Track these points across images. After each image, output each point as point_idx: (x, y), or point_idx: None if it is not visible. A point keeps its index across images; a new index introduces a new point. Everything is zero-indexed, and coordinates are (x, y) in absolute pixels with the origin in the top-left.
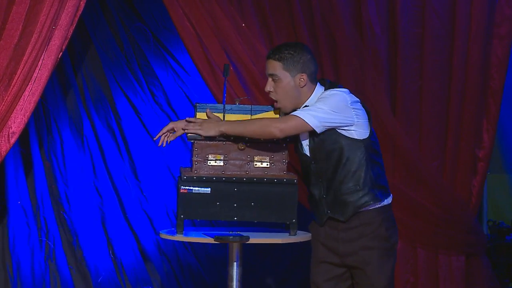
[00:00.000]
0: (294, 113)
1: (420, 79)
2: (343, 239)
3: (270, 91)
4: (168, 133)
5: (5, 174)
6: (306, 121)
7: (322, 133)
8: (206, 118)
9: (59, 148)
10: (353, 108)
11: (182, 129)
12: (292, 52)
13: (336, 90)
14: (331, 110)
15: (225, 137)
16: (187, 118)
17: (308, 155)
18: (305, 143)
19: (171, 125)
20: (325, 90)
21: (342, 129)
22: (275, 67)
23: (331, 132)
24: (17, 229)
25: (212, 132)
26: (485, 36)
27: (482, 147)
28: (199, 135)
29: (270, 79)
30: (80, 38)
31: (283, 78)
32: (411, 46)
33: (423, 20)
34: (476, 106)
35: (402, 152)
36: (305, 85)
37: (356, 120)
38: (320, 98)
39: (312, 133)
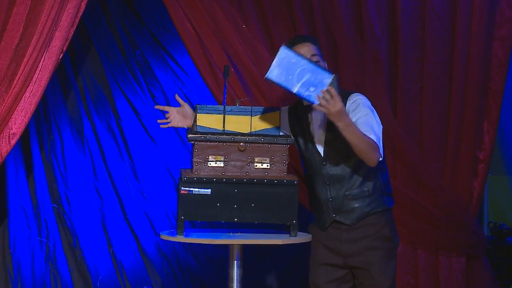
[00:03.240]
0: (372, 137)
1: (421, 80)
2: (347, 240)
3: None
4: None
5: (6, 175)
6: (380, 149)
7: (339, 135)
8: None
9: (60, 149)
10: (376, 115)
11: (319, 95)
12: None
13: (363, 97)
14: (378, 122)
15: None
16: (328, 89)
17: (322, 155)
18: (319, 141)
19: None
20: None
21: None
22: (314, 49)
23: None
24: (18, 230)
25: (335, 120)
26: (485, 37)
27: (482, 149)
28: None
29: None
30: (81, 40)
31: (321, 60)
32: (411, 48)
33: (423, 21)
34: (476, 108)
35: (403, 154)
36: None
37: None
38: (359, 106)
39: (328, 132)
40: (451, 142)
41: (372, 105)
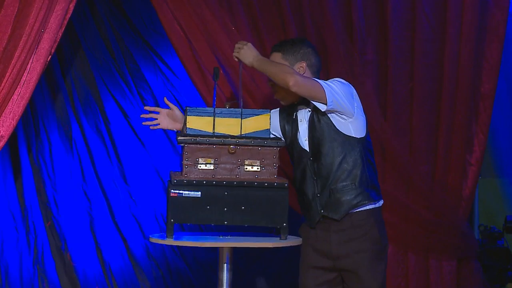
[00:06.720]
0: (315, 79)
1: (411, 82)
2: (335, 241)
3: (269, 82)
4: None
5: None
6: (325, 91)
7: (321, 129)
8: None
9: (48, 151)
10: (356, 101)
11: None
12: (291, 43)
13: (343, 80)
14: (342, 92)
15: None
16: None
17: (308, 150)
18: (304, 138)
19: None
20: None
21: (340, 123)
22: (275, 57)
23: (330, 129)
24: (5, 233)
25: (246, 61)
26: (476, 39)
27: (473, 151)
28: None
29: None
30: (69, 42)
31: (290, 65)
32: (401, 49)
33: (413, 23)
34: (467, 110)
35: (393, 156)
36: (303, 74)
37: (356, 112)
38: (329, 80)
39: (313, 128)
40: (441, 145)
41: (353, 90)
